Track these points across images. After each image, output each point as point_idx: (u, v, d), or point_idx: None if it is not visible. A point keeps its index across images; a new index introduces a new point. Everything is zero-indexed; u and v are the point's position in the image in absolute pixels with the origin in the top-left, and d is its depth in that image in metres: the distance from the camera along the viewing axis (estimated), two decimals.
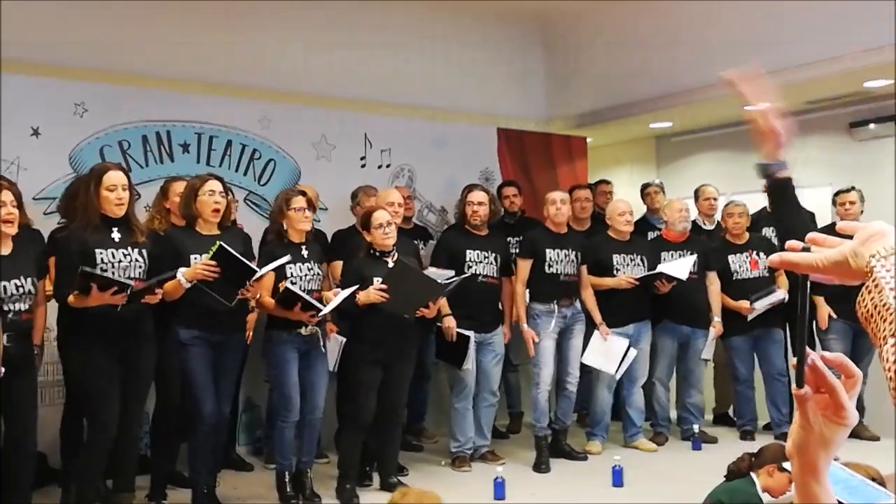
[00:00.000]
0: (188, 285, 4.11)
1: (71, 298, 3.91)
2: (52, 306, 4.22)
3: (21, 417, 3.98)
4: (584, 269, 5.68)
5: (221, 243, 4.08)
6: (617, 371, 5.63)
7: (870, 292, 0.90)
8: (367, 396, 4.72)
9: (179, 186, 4.76)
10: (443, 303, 5.10)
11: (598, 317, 5.66)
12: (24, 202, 4.25)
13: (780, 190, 1.91)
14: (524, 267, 5.55)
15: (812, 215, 6.17)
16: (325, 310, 4.45)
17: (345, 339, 4.86)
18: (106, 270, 3.93)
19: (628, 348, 5.61)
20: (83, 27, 5.57)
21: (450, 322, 5.27)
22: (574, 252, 5.60)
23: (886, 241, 0.93)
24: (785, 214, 1.91)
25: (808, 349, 0.97)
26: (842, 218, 5.89)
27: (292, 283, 4.47)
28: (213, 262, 4.09)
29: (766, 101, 1.89)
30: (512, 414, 6.52)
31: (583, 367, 5.72)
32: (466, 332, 5.29)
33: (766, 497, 3.48)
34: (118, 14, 5.70)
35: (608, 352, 5.62)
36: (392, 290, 4.56)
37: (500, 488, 4.72)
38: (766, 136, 1.88)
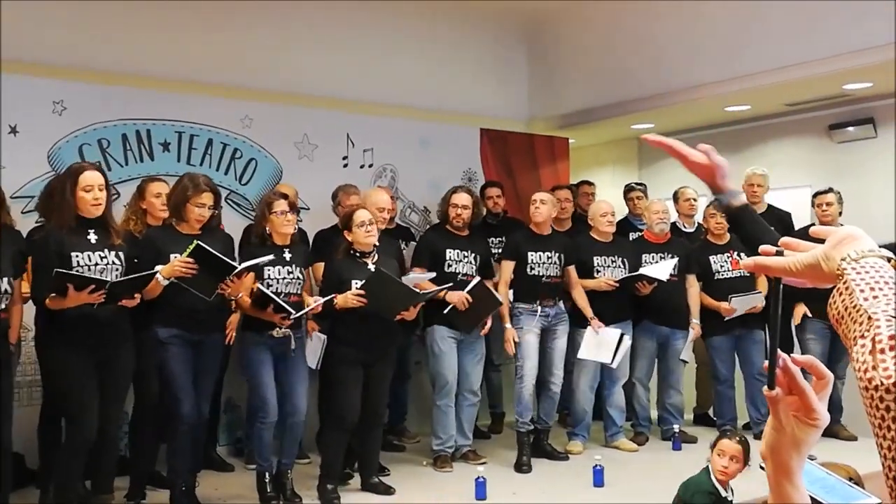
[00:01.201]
0: (165, 282, 4.09)
1: (48, 301, 3.88)
2: (31, 305, 4.18)
3: None
4: (571, 269, 5.69)
5: (199, 242, 4.07)
6: (613, 360, 5.63)
7: (840, 294, 0.92)
8: (349, 396, 4.70)
9: (156, 187, 4.72)
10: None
11: (589, 312, 5.67)
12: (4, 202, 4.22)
13: (742, 216, 1.97)
14: (507, 268, 5.56)
15: (788, 215, 6.25)
16: (296, 314, 4.43)
17: (326, 337, 4.85)
18: (82, 272, 3.90)
19: (621, 337, 5.63)
20: (63, 25, 5.53)
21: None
22: (557, 254, 5.61)
23: (857, 244, 0.95)
24: (753, 235, 1.96)
25: (779, 351, 0.98)
26: (820, 219, 5.94)
27: (268, 285, 4.45)
28: (191, 259, 4.07)
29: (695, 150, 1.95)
30: (494, 414, 6.53)
31: (565, 367, 5.74)
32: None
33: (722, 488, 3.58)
34: (98, 12, 5.65)
35: (601, 343, 5.64)
36: (370, 297, 4.56)
37: (481, 488, 4.73)
38: (710, 172, 1.93)
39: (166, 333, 4.29)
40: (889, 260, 0.93)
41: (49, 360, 4.11)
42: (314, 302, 4.56)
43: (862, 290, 0.89)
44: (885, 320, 0.85)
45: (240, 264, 4.29)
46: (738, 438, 3.72)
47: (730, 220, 2.01)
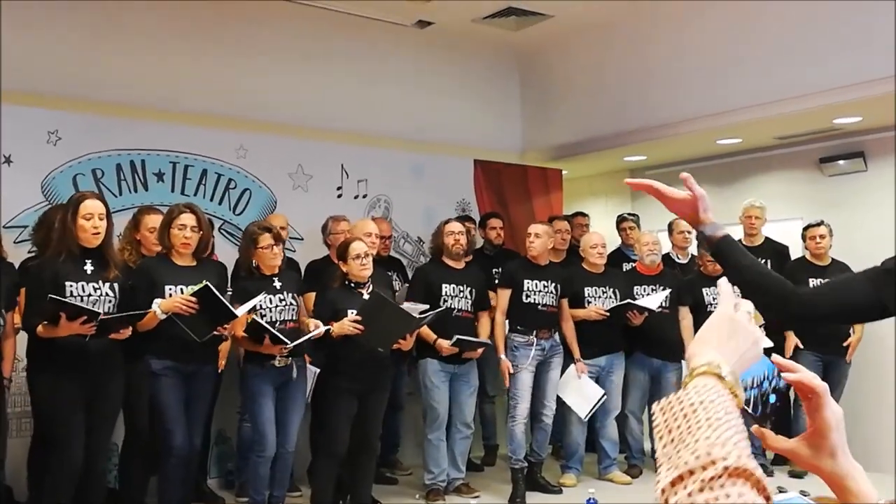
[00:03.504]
0: (163, 316, 4.08)
1: (40, 328, 3.86)
2: (23, 337, 4.15)
3: None
4: (564, 302, 5.70)
5: (208, 284, 4.06)
6: (587, 416, 5.71)
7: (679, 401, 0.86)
8: (341, 428, 4.68)
9: (151, 220, 4.68)
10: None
11: (576, 352, 5.68)
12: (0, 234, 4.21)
13: (724, 247, 1.98)
14: (504, 296, 5.56)
15: (786, 248, 6.28)
16: (292, 344, 4.41)
17: (318, 370, 4.83)
18: (75, 303, 3.88)
19: (602, 396, 5.67)
20: (57, 55, 5.55)
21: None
22: (553, 284, 5.61)
23: (698, 356, 0.94)
24: (736, 262, 1.97)
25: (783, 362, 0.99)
26: (812, 251, 5.97)
27: (262, 315, 4.43)
28: (194, 299, 4.06)
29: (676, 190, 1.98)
30: (487, 446, 6.49)
31: (557, 399, 5.73)
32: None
33: None
34: (93, 43, 5.69)
35: (582, 393, 5.67)
36: (367, 323, 4.54)
37: None
38: (691, 205, 1.94)
39: (159, 365, 4.26)
40: (721, 377, 0.89)
41: (38, 388, 4.08)
42: (314, 328, 4.53)
43: (661, 437, 0.83)
44: (665, 469, 0.78)
45: (232, 298, 4.26)
46: None
47: (713, 252, 2.00)
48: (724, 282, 1.09)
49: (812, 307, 1.98)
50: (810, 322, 1.90)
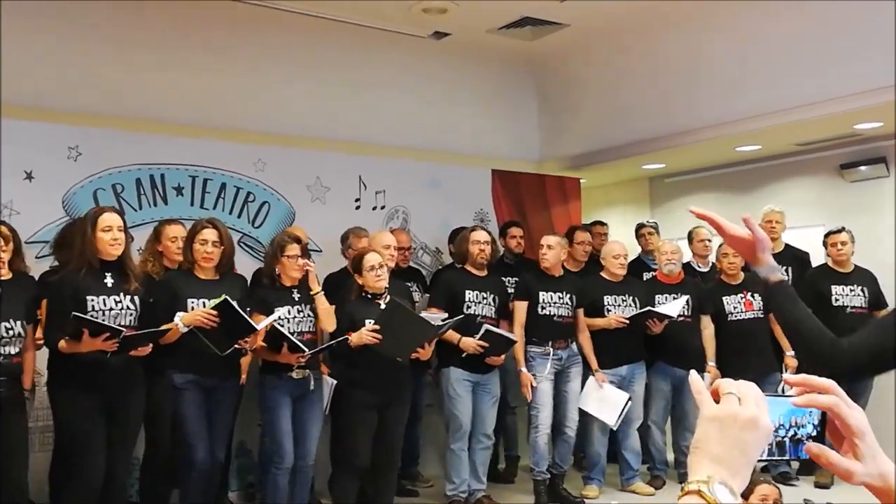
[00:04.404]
0: (185, 329, 4.10)
1: (62, 344, 3.88)
2: (44, 351, 4.18)
3: (12, 462, 3.93)
4: (580, 312, 5.66)
5: (227, 297, 4.08)
6: (616, 422, 5.62)
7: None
8: (361, 441, 4.67)
9: (172, 230, 4.76)
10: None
11: (593, 362, 5.64)
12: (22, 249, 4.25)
13: (778, 292, 2.00)
14: (521, 309, 5.53)
15: (806, 255, 6.22)
16: (311, 352, 4.42)
17: (335, 382, 4.82)
18: (97, 317, 3.91)
19: (628, 401, 5.60)
20: (77, 71, 5.61)
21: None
22: (568, 294, 5.58)
23: (691, 475, 0.89)
24: (786, 310, 2.00)
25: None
26: (834, 258, 5.91)
27: (280, 325, 4.44)
28: (215, 312, 4.08)
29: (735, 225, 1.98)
30: (508, 457, 6.45)
31: (580, 410, 5.69)
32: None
33: None
34: (112, 59, 5.75)
35: (607, 401, 5.60)
36: (385, 332, 4.53)
37: None
38: (749, 245, 1.95)
39: (182, 379, 4.28)
40: (706, 496, 0.86)
41: (59, 403, 4.10)
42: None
43: None
44: None
45: (250, 307, 4.28)
46: (769, 480, 3.60)
47: (766, 294, 2.02)
48: (694, 377, 1.00)
49: (851, 362, 1.96)
50: (848, 376, 1.88)
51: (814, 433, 0.99)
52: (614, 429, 5.69)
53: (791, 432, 0.98)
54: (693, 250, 6.56)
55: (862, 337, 2.02)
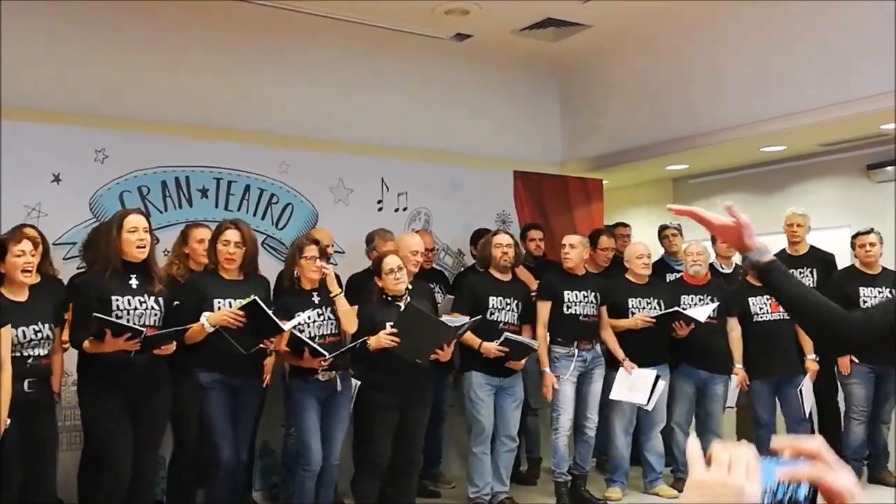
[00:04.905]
0: (211, 329, 4.15)
1: (86, 344, 3.94)
2: (73, 352, 4.24)
3: (41, 462, 3.99)
4: (603, 309, 5.65)
5: (257, 298, 4.12)
6: (649, 401, 5.54)
7: None
8: (382, 442, 4.68)
9: (199, 233, 4.81)
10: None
11: (620, 353, 5.61)
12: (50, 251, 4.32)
13: (771, 271, 1.98)
14: (544, 309, 5.52)
15: (832, 256, 6.17)
16: (331, 356, 4.44)
17: (359, 383, 4.84)
18: (121, 317, 3.96)
19: (657, 378, 5.54)
20: (103, 76, 5.68)
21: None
22: (592, 293, 5.57)
23: None
24: (782, 289, 1.98)
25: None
26: (862, 260, 5.85)
27: (300, 329, 4.46)
28: (241, 312, 4.12)
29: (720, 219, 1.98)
30: (530, 459, 6.44)
31: (601, 411, 5.67)
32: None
33: None
34: (138, 63, 5.81)
35: (636, 384, 5.55)
36: (403, 334, 4.55)
37: None
38: (735, 233, 1.95)
39: (207, 378, 4.32)
40: None
41: (85, 403, 4.16)
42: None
43: None
44: None
45: (274, 311, 4.31)
46: None
47: (760, 277, 2.00)
48: (692, 445, 0.98)
49: (866, 331, 1.93)
50: (864, 347, 1.86)
51: (809, 494, 0.97)
52: (649, 409, 5.60)
53: (790, 492, 0.96)
54: (716, 251, 6.51)
55: (878, 310, 2.00)
